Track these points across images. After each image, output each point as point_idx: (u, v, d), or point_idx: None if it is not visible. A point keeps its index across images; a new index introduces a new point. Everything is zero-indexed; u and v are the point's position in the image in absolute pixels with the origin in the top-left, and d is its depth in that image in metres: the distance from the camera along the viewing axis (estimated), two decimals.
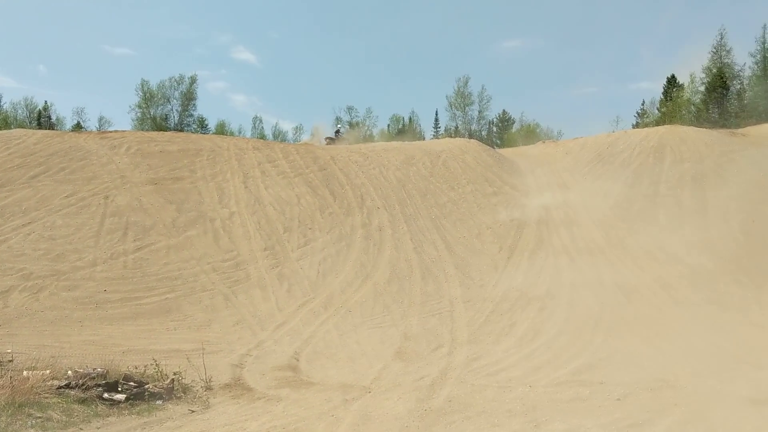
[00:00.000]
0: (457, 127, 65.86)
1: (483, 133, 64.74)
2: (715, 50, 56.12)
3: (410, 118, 75.48)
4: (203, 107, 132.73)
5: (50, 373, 9.07)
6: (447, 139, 33.19)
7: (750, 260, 18.17)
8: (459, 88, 66.63)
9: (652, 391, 9.19)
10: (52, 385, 8.63)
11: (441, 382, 9.59)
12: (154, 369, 9.35)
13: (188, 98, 66.24)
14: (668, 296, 15.66)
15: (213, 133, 56.42)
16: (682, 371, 10.32)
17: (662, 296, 15.66)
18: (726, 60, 56.02)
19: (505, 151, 31.14)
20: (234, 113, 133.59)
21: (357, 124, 69.40)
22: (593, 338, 12.55)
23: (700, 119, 48.69)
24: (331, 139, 36.52)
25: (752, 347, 12.20)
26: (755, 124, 33.01)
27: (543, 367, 10.58)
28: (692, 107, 54.70)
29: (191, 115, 66.68)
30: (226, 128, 69.06)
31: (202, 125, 66.58)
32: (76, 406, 8.03)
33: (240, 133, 68.92)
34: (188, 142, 25.53)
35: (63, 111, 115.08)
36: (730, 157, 24.05)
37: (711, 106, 53.52)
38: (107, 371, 9.23)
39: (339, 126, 46.12)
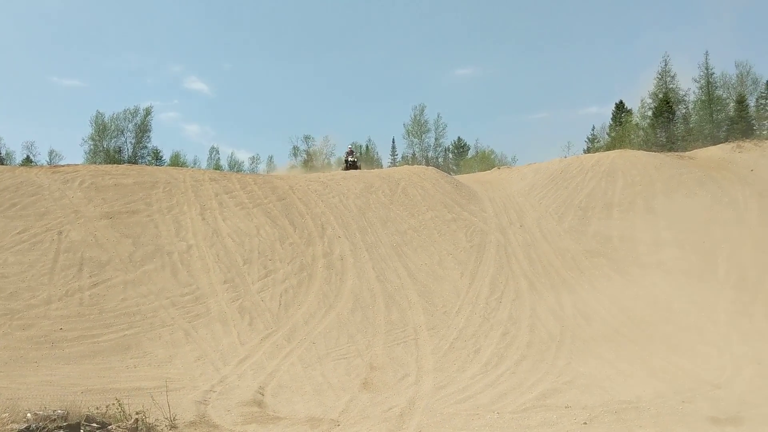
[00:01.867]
0: (414, 154, 66.53)
1: (439, 160, 65.56)
2: (660, 76, 58.20)
3: (367, 146, 75.97)
4: (156, 138, 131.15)
5: (8, 416, 8.77)
6: (405, 166, 33.80)
7: (703, 282, 18.73)
8: (415, 116, 67.52)
9: (616, 413, 9.36)
10: (11, 429, 8.34)
11: (410, 412, 9.59)
12: (117, 409, 9.11)
13: (142, 130, 65.42)
14: (626, 318, 15.99)
15: (168, 165, 55.70)
16: (644, 392, 10.54)
17: (620, 318, 15.98)
18: (671, 85, 58.10)
19: (462, 178, 31.55)
20: (187, 143, 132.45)
21: (314, 153, 69.51)
22: (556, 362, 12.73)
23: (649, 143, 50.23)
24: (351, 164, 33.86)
25: (709, 366, 12.56)
26: (701, 147, 34.19)
27: (509, 393, 10.68)
28: (641, 131, 56.38)
29: (145, 147, 65.81)
30: (181, 159, 68.32)
31: (157, 157, 65.71)
32: None
33: (195, 164, 68.32)
34: (143, 174, 25.16)
35: (12, 145, 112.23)
36: (680, 179, 24.83)
37: (658, 130, 55.27)
38: (68, 413, 8.94)
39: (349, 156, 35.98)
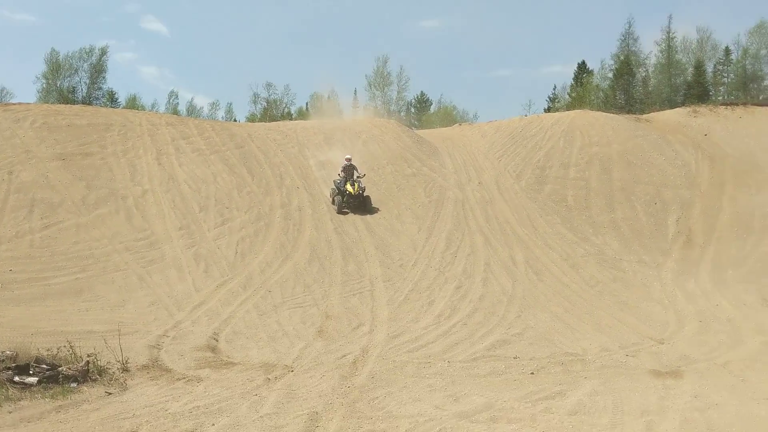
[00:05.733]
0: (376, 107, 66.02)
1: (402, 114, 65.20)
2: (623, 38, 58.52)
3: (329, 97, 75.10)
4: (112, 79, 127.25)
5: None
6: (367, 118, 32.95)
7: (652, 241, 19.28)
8: (378, 68, 66.67)
9: (563, 365, 9.66)
10: None
11: (363, 360, 9.74)
12: (68, 351, 9.02)
13: (98, 70, 63.25)
14: (577, 274, 16.40)
15: (124, 108, 54.22)
16: (591, 346, 10.89)
17: (571, 275, 16.38)
18: (633, 48, 58.52)
19: (423, 133, 31.51)
20: (145, 86, 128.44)
21: (275, 101, 68.40)
22: (507, 315, 13.02)
23: (608, 105, 50.75)
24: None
25: (654, 322, 13.02)
26: (658, 111, 34.71)
27: (460, 343, 10.91)
28: (600, 93, 56.87)
29: (100, 88, 63.78)
30: (138, 102, 66.51)
31: (112, 99, 63.85)
32: None
33: (153, 108, 66.56)
34: (98, 116, 24.52)
35: None
36: (636, 142, 25.26)
37: (618, 92, 55.83)
38: (17, 354, 8.83)
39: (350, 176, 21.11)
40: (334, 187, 21.01)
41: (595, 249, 18.36)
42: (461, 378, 8.87)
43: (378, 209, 20.47)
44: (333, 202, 20.68)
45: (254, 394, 8.01)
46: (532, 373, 9.13)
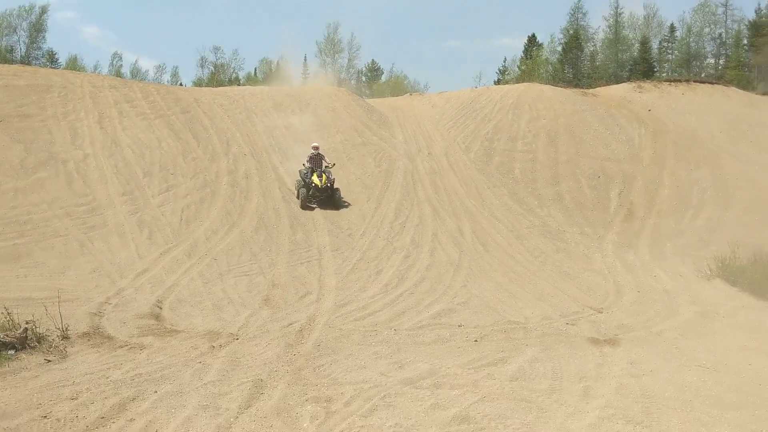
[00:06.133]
0: (327, 75, 65.31)
1: (352, 82, 64.70)
2: (572, 12, 59.23)
3: (278, 63, 73.89)
4: (52, 39, 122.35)
5: None
6: (317, 85, 32.51)
7: (594, 213, 19.74)
8: (329, 35, 65.92)
9: (505, 332, 9.87)
10: None
11: (309, 328, 9.75)
12: (5, 318, 8.76)
13: (37, 29, 60.81)
14: (521, 245, 16.70)
15: (64, 69, 52.25)
16: (533, 314, 11.15)
17: (516, 245, 16.67)
18: (582, 22, 59.30)
19: (374, 102, 31.36)
20: (86, 47, 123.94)
21: (222, 65, 66.99)
22: (453, 284, 13.19)
23: (557, 79, 51.44)
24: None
25: (594, 292, 13.39)
26: (605, 86, 35.34)
27: (407, 312, 11.02)
28: (549, 67, 57.56)
29: (40, 48, 61.40)
30: (79, 64, 64.21)
31: (52, 60, 61.48)
32: None
33: (95, 70, 64.39)
34: (37, 76, 23.55)
35: None
36: (582, 116, 25.68)
37: (566, 66, 56.62)
38: None
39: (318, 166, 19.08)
40: (300, 178, 18.95)
41: (539, 221, 18.70)
42: (407, 345, 8.98)
43: (349, 204, 18.81)
44: (297, 196, 18.60)
45: (198, 361, 7.95)
46: (476, 341, 9.31)
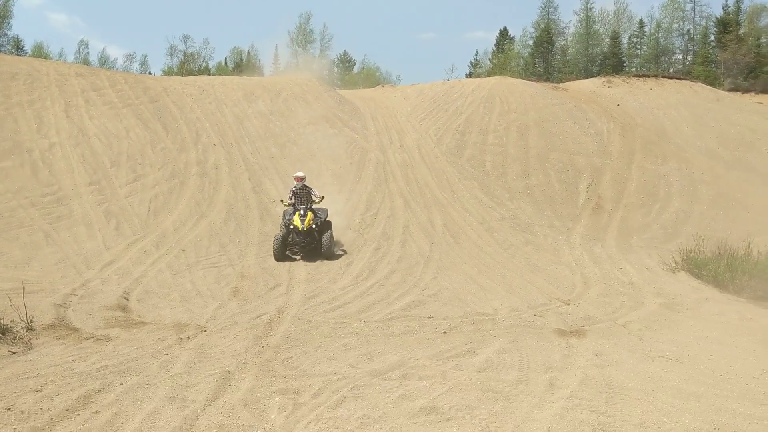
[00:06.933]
0: (298, 65, 64.94)
1: (324, 73, 64.40)
2: (544, 6, 59.64)
3: (249, 52, 73.29)
4: (18, 26, 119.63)
5: None
6: (288, 75, 32.24)
7: (563, 207, 19.95)
8: (301, 24, 65.53)
9: (474, 324, 9.95)
10: None
11: (278, 320, 9.72)
12: None
13: (2, 16, 59.46)
14: (491, 238, 16.82)
15: (30, 56, 51.18)
16: (501, 306, 11.24)
17: (486, 238, 16.79)
18: (553, 16, 59.75)
19: (346, 93, 31.27)
20: (53, 34, 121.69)
21: (192, 54, 66.18)
22: (423, 276, 13.25)
23: (528, 72, 51.84)
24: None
25: (562, 284, 13.55)
26: (575, 80, 35.68)
27: (377, 304, 11.04)
28: (521, 60, 57.94)
29: (5, 35, 60.07)
30: (45, 51, 62.95)
31: (18, 47, 60.15)
32: None
33: (61, 57, 63.16)
34: (2, 64, 23.04)
35: None
36: (552, 110, 25.90)
37: (537, 60, 57.03)
38: None
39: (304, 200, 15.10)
40: (283, 221, 14.97)
41: (509, 213, 18.85)
42: (376, 337, 9.00)
43: (344, 252, 14.97)
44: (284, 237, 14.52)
45: (165, 353, 7.88)
46: (445, 332, 9.36)
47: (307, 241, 14.40)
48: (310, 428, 5.72)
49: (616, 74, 36.54)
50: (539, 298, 12.20)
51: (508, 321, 10.30)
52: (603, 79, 32.55)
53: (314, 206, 15.04)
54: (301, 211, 14.50)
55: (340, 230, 16.01)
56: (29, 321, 8.90)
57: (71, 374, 7.00)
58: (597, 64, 55.94)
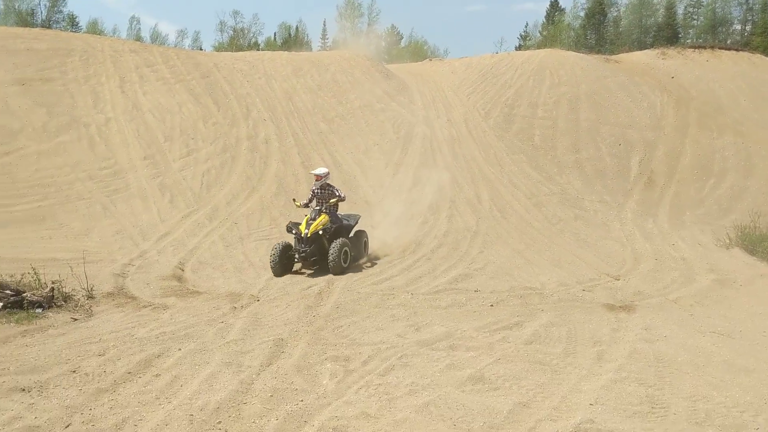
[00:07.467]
0: (345, 40, 64.89)
1: (371, 47, 64.18)
2: None
3: (297, 28, 73.51)
4: (72, 2, 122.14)
5: None
6: (336, 51, 32.23)
7: (614, 181, 19.65)
8: None
9: (521, 297, 9.98)
10: None
11: (328, 291, 9.92)
12: (32, 277, 9.02)
13: None
14: (539, 212, 16.72)
15: (84, 32, 52.35)
16: (549, 280, 11.23)
17: (534, 212, 16.70)
18: None
19: (393, 67, 31.15)
20: (106, 11, 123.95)
21: (242, 30, 66.71)
22: (470, 250, 13.30)
23: (579, 44, 50.71)
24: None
25: (612, 259, 13.43)
26: (628, 52, 34.77)
27: (423, 277, 11.15)
28: (572, 32, 56.69)
29: (60, 12, 61.50)
30: (99, 28, 64.30)
31: (73, 23, 61.59)
32: None
33: (115, 34, 64.49)
34: (58, 40, 23.67)
35: None
36: (604, 83, 25.37)
37: (589, 32, 55.70)
38: None
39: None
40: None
41: (558, 188, 18.67)
42: (423, 309, 9.12)
43: (372, 264, 12.27)
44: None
45: (220, 321, 8.16)
46: (492, 306, 9.42)
47: (309, 251, 11.31)
48: (361, 394, 5.89)
49: (671, 46, 35.42)
50: (588, 273, 12.13)
51: (556, 295, 10.30)
52: (657, 50, 31.61)
53: (346, 213, 12.76)
54: (313, 214, 11.72)
55: (382, 209, 16.11)
56: (90, 289, 9.31)
57: (131, 340, 7.32)
58: (651, 35, 54.28)
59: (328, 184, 12.18)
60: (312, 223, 11.46)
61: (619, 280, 11.82)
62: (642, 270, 12.75)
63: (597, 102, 24.02)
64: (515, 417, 5.51)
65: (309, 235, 11.35)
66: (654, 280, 11.94)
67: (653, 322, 8.98)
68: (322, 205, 11.90)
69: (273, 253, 11.21)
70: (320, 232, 11.47)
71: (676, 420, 5.65)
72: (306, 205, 12.18)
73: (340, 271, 11.16)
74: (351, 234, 12.41)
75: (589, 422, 5.44)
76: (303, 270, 11.62)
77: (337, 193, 12.05)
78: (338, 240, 11.43)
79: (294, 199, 12.93)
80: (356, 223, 12.68)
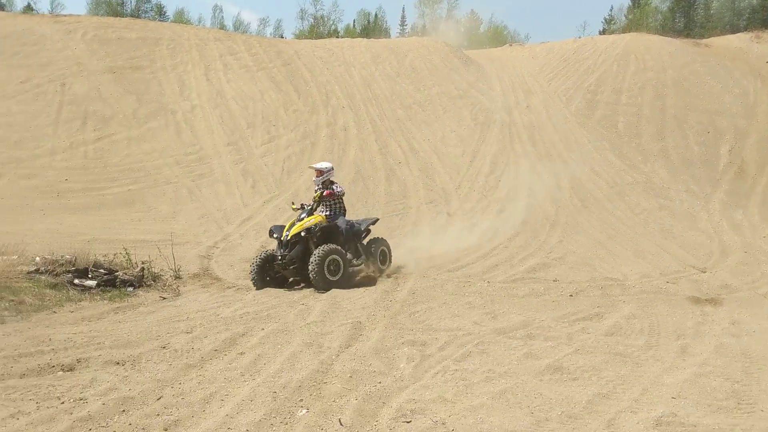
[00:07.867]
0: (425, 26, 64.68)
1: (450, 34, 63.71)
2: None
3: (376, 15, 73.74)
4: None
5: (18, 258, 9.16)
6: (414, 38, 32.17)
7: (701, 170, 18.88)
8: None
9: (602, 288, 9.77)
10: (21, 271, 8.73)
11: (404, 277, 10.00)
12: (123, 257, 9.48)
13: None
14: (622, 202, 16.28)
15: (171, 21, 54.18)
16: (631, 272, 10.95)
17: (616, 202, 16.27)
18: None
19: (472, 53, 30.83)
20: (191, 0, 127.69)
21: (322, 17, 67.46)
22: (548, 240, 13.11)
23: (666, 28, 48.75)
24: None
25: (698, 251, 12.95)
26: (719, 35, 33.21)
27: (500, 265, 11.08)
28: (659, 15, 54.54)
29: (149, 1, 63.88)
30: (185, 17, 66.41)
31: (160, 12, 63.84)
32: (47, 291, 8.18)
33: (200, 22, 66.46)
34: (147, 29, 24.65)
35: None
36: (692, 68, 24.35)
37: (677, 15, 53.44)
38: (75, 258, 9.32)
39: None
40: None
41: (643, 177, 18.10)
42: (500, 297, 9.07)
43: (388, 277, 10.32)
44: None
45: (301, 303, 8.37)
46: (571, 296, 9.28)
47: (288, 258, 9.43)
48: (437, 378, 5.93)
49: (766, 29, 33.60)
50: (672, 264, 11.75)
51: (638, 287, 10.04)
52: (751, 34, 30.03)
53: (359, 219, 11.09)
54: (303, 214, 9.92)
55: (459, 193, 16.03)
56: (177, 270, 9.72)
57: (217, 319, 7.60)
58: (744, 18, 51.55)
59: (331, 181, 10.40)
60: (301, 225, 9.59)
61: (705, 272, 11.40)
62: (730, 263, 12.25)
63: (685, 88, 23.08)
64: (594, 407, 5.43)
65: (289, 238, 9.51)
66: (743, 274, 11.45)
67: (741, 316, 8.63)
68: (318, 204, 10.18)
69: (253, 262, 9.52)
70: (303, 234, 9.53)
71: (764, 416, 5.44)
72: (301, 207, 10.33)
73: (325, 285, 9.04)
74: (365, 240, 10.53)
75: (672, 415, 5.29)
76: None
77: (338, 188, 10.25)
78: (325, 246, 9.31)
79: (293, 203, 10.89)
80: (367, 227, 10.70)
